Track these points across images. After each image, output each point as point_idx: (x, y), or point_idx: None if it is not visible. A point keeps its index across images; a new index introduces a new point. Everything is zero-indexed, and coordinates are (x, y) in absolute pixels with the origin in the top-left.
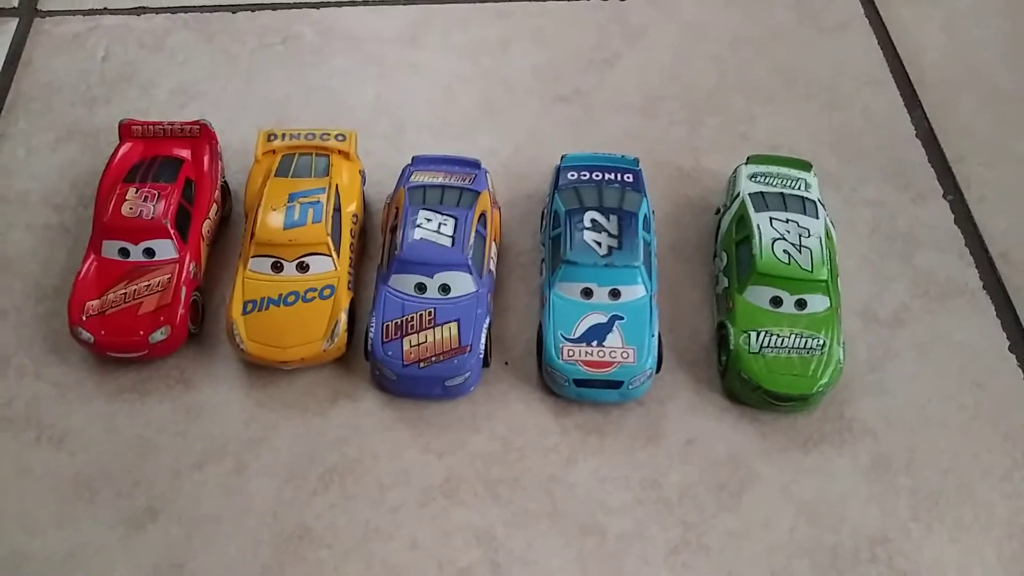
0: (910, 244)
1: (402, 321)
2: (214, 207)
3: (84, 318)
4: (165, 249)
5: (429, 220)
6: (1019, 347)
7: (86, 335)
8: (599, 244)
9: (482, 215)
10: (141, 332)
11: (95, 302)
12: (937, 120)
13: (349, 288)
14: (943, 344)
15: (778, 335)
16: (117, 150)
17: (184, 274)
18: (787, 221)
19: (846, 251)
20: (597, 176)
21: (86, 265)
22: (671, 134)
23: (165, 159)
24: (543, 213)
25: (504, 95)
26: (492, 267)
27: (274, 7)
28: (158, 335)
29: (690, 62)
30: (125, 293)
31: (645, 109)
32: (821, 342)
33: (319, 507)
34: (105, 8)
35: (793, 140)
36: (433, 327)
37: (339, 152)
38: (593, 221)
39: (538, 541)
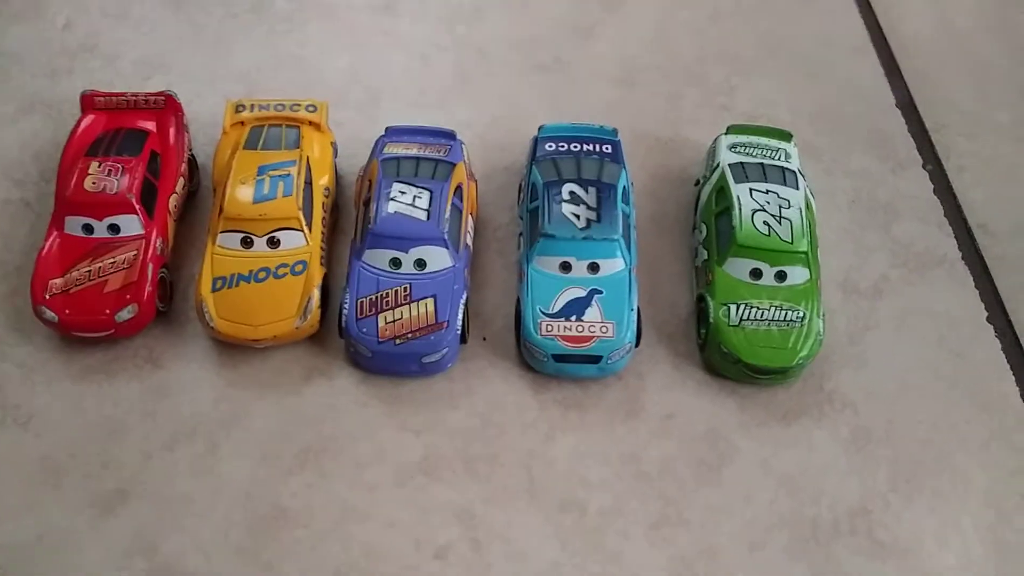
0: (890, 215)
1: (377, 297)
2: (181, 181)
3: (48, 297)
4: (131, 225)
5: (403, 193)
6: (997, 318)
7: (50, 314)
8: (577, 217)
9: (458, 187)
10: (107, 311)
11: (59, 280)
12: (917, 90)
13: (322, 264)
14: (922, 315)
15: (758, 307)
16: (79, 122)
17: (151, 250)
18: (767, 192)
19: (826, 222)
20: (575, 147)
21: (48, 242)
22: (650, 104)
23: (129, 131)
24: (520, 185)
25: (480, 64)
26: (469, 241)
27: None
28: (125, 313)
29: (670, 32)
30: (90, 271)
31: (624, 79)
32: (801, 314)
33: (294, 487)
34: None
35: (774, 111)
36: (409, 303)
37: (310, 123)
38: (571, 193)
39: (517, 518)
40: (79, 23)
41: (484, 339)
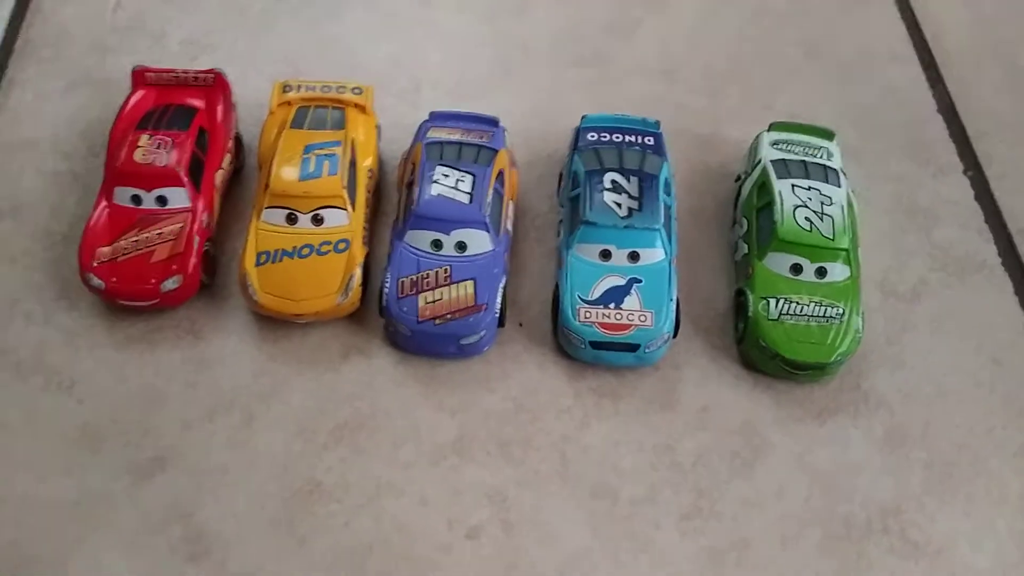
0: (930, 219)
1: (417, 278)
2: (227, 158)
3: (95, 264)
4: (178, 197)
5: (446, 176)
6: None
7: (97, 282)
8: (619, 205)
9: (500, 173)
10: (153, 280)
11: (106, 249)
12: (958, 96)
13: (364, 243)
14: (960, 319)
15: (797, 303)
16: (129, 97)
17: (197, 223)
18: (809, 188)
19: (866, 224)
20: (617, 138)
21: (97, 211)
22: (691, 102)
23: (179, 107)
24: (560, 175)
25: (522, 57)
26: (509, 227)
27: None
28: (170, 284)
29: (712, 31)
30: (137, 240)
31: (665, 76)
32: (840, 311)
33: (329, 461)
34: None
35: (815, 113)
36: (449, 284)
37: (355, 106)
38: (613, 182)
39: (549, 502)
40: (129, 3)
41: (520, 325)
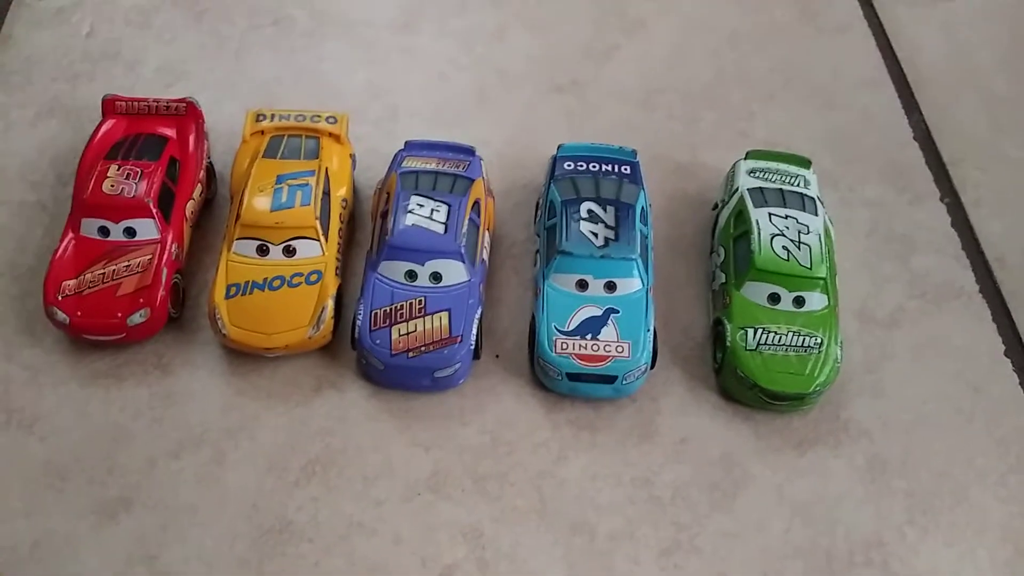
0: (907, 246)
1: (391, 309)
2: (199, 188)
3: (60, 298)
4: (147, 229)
5: (421, 206)
6: (1015, 352)
7: (61, 316)
8: (595, 235)
9: (476, 203)
10: (119, 314)
11: (72, 282)
12: (935, 123)
13: (337, 274)
14: (939, 347)
15: (775, 332)
16: (100, 126)
17: (166, 255)
18: (786, 217)
19: (843, 251)
20: (594, 167)
21: (64, 243)
22: (668, 128)
23: (149, 136)
24: (537, 203)
25: (499, 84)
26: (485, 256)
27: None
28: (137, 318)
29: (688, 56)
30: (103, 273)
31: (642, 102)
32: (819, 340)
33: (300, 499)
34: None
35: (791, 138)
36: (423, 316)
37: (330, 135)
38: (590, 212)
39: (526, 539)
40: (102, 30)
41: (497, 356)
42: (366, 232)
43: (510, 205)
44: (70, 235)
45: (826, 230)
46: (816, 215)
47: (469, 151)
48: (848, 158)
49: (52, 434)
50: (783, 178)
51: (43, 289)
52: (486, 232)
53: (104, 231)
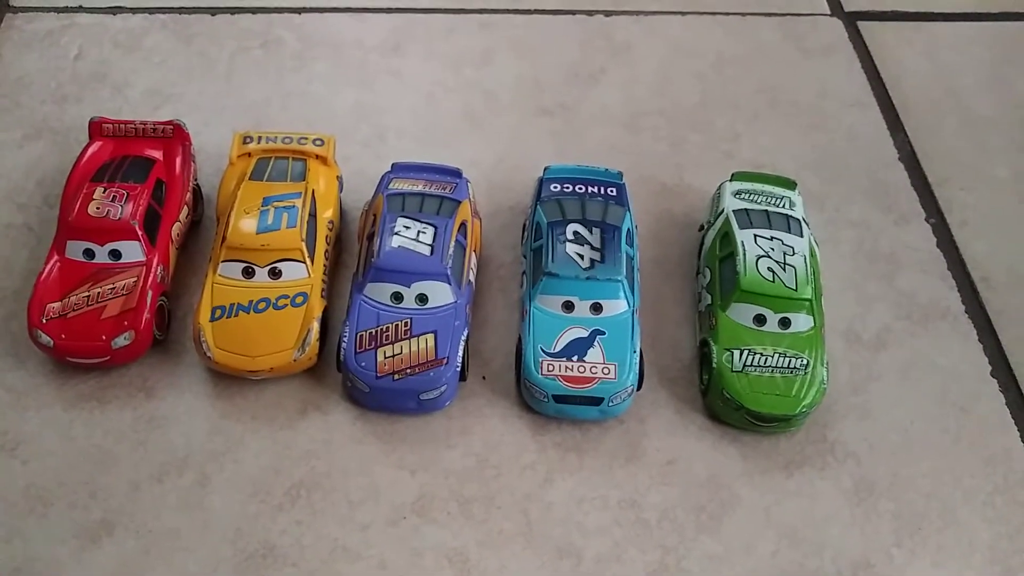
0: (892, 266)
1: (377, 331)
2: (185, 210)
3: (44, 320)
4: (132, 251)
5: (408, 228)
6: (1001, 372)
7: (45, 338)
8: (581, 257)
9: (462, 224)
10: (103, 337)
11: (56, 304)
12: (919, 143)
13: (323, 296)
14: (925, 367)
15: (761, 354)
16: (86, 148)
17: (151, 278)
18: (771, 239)
19: (829, 272)
20: (580, 189)
21: (49, 266)
22: (654, 150)
23: (136, 159)
24: (524, 225)
25: (486, 106)
26: (472, 278)
27: (254, 11)
28: (121, 340)
29: (674, 79)
30: (88, 296)
31: (628, 124)
32: (805, 362)
33: (284, 524)
34: (80, 6)
35: (776, 159)
36: (409, 338)
37: (317, 157)
38: (576, 234)
39: (512, 563)
40: (91, 53)
41: (484, 378)
42: (352, 254)
43: (497, 226)
44: (55, 258)
45: (811, 251)
46: (801, 236)
47: (456, 173)
48: (833, 178)
49: (34, 457)
50: (768, 199)
51: (27, 312)
52: (472, 254)
53: (89, 253)
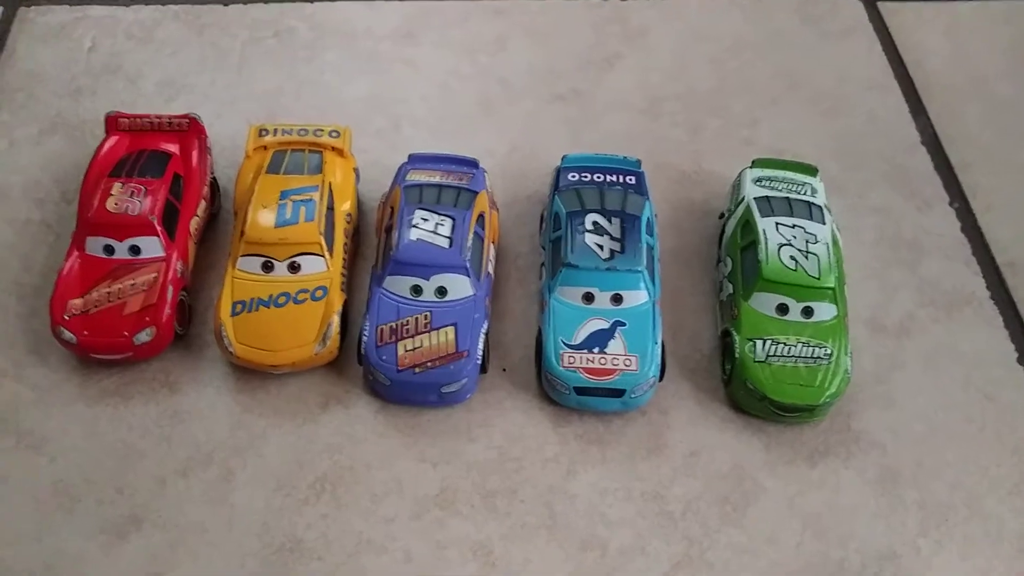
0: (916, 252)
1: (397, 325)
2: (202, 204)
3: (66, 317)
4: (151, 247)
5: (426, 220)
6: None
7: (68, 335)
8: (601, 247)
9: (480, 216)
10: (125, 333)
11: (78, 301)
12: (942, 126)
13: (342, 290)
14: (950, 355)
15: (784, 344)
16: (103, 144)
17: (171, 273)
18: (793, 226)
19: (851, 259)
20: (599, 178)
21: (69, 262)
22: (672, 136)
23: (152, 153)
24: (542, 215)
25: (501, 93)
26: (490, 270)
27: (266, 0)
28: (143, 336)
29: (691, 64)
30: (109, 292)
31: (645, 110)
32: (828, 351)
33: (310, 517)
34: None
35: (796, 145)
36: (429, 331)
37: (333, 149)
38: (595, 223)
39: (536, 555)
40: (104, 45)
41: (504, 370)
42: (371, 245)
43: (514, 216)
44: (75, 254)
45: (834, 239)
46: (823, 224)
47: (472, 163)
48: (854, 164)
49: (61, 454)
50: (790, 186)
51: (49, 309)
52: (491, 245)
53: (109, 249)
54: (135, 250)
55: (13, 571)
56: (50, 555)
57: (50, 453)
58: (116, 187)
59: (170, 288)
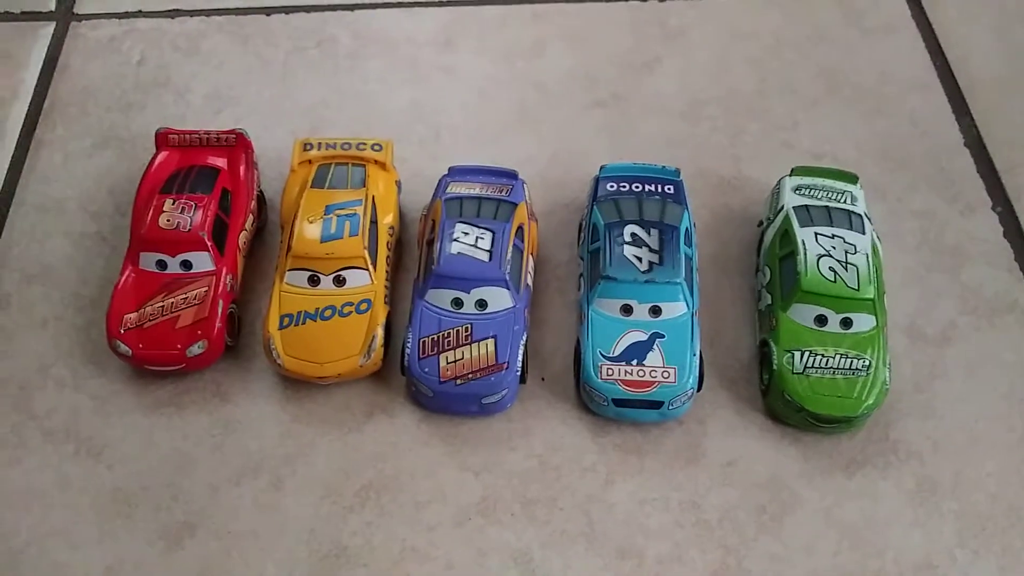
0: (958, 258)
1: (439, 337)
2: (250, 218)
3: (122, 331)
4: (202, 261)
5: (466, 234)
6: None
7: (124, 348)
8: (639, 259)
9: (519, 228)
10: (179, 346)
11: (133, 315)
12: (986, 127)
13: (386, 302)
14: (992, 363)
15: (823, 355)
16: (154, 159)
17: (221, 287)
18: (833, 237)
19: (891, 264)
20: (637, 187)
21: (124, 277)
22: (712, 141)
23: (201, 169)
24: (580, 225)
25: (540, 99)
26: (529, 281)
27: (308, 9)
28: (195, 349)
29: (731, 66)
30: (163, 306)
31: (685, 115)
32: (867, 363)
33: (355, 525)
34: (140, 11)
35: (837, 148)
36: (470, 343)
37: (375, 162)
38: (633, 235)
39: (575, 563)
40: (152, 57)
41: (543, 379)
42: (413, 256)
43: (553, 224)
44: (129, 269)
45: (874, 248)
46: (863, 233)
47: (512, 175)
48: (896, 166)
49: (119, 462)
50: (829, 195)
51: (106, 322)
52: (530, 257)
53: (162, 264)
54: (187, 265)
55: (77, 574)
56: (111, 559)
57: (108, 460)
58: (167, 203)
59: (220, 302)
